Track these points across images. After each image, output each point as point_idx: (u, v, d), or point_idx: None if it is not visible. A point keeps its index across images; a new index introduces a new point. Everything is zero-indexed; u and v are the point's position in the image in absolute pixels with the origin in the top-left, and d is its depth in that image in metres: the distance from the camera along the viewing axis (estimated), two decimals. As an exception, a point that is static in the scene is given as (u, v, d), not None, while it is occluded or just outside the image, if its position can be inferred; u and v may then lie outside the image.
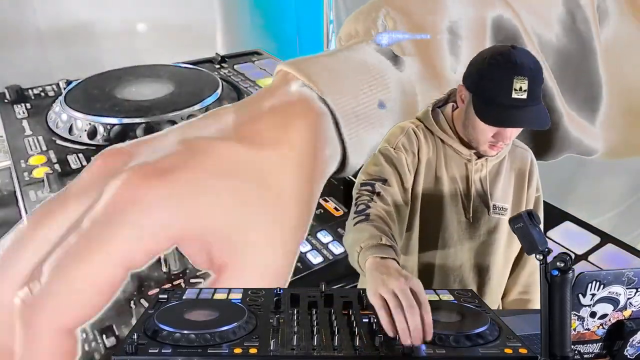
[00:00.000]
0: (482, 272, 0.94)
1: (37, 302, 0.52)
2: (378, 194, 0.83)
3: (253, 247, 0.64)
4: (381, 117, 0.91)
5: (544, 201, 1.54)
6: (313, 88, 0.74)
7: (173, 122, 1.87)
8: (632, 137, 1.17)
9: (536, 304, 0.99)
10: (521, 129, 0.86)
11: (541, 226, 0.70)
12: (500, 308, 1.01)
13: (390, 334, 0.62)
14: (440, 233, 0.91)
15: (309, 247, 1.32)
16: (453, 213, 0.91)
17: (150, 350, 0.61)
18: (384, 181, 0.85)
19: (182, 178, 0.59)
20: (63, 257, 0.55)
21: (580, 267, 1.01)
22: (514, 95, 0.79)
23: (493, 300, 0.98)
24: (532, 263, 0.99)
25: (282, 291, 0.76)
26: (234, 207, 0.62)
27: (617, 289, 0.67)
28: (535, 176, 0.96)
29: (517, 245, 0.96)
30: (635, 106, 1.12)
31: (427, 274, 0.92)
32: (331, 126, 0.76)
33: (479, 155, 0.90)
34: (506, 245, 0.95)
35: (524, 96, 0.79)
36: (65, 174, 1.63)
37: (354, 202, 0.85)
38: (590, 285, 0.66)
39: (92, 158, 0.65)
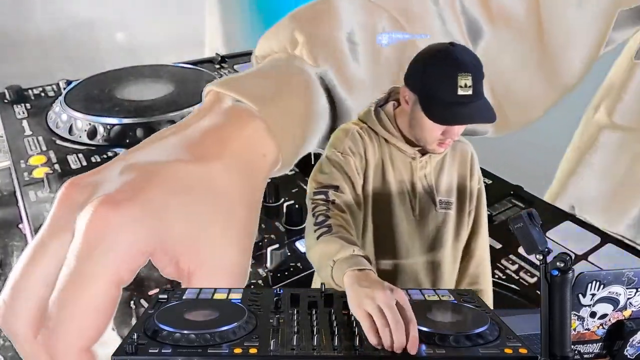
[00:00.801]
0: (434, 268, 0.94)
1: (54, 333, 0.62)
2: (333, 202, 0.83)
3: (215, 250, 0.71)
4: (313, 119, 0.98)
5: (544, 201, 1.55)
6: (245, 102, 0.81)
7: (173, 122, 1.87)
8: (511, 115, 1.31)
9: (486, 294, 1.01)
10: (466, 126, 0.86)
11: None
12: None
13: (376, 346, 0.62)
14: (392, 234, 0.91)
15: (309, 247, 1.32)
16: (402, 212, 0.91)
17: (150, 350, 0.61)
18: (336, 188, 0.84)
19: (143, 201, 0.65)
20: (62, 291, 0.63)
21: (580, 267, 1.01)
22: (460, 92, 0.79)
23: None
24: (479, 254, 1.00)
25: (282, 291, 0.76)
26: (194, 217, 0.68)
27: (617, 289, 0.67)
28: (477, 168, 0.96)
29: (464, 238, 0.97)
30: (507, 90, 1.28)
31: (383, 276, 0.92)
32: (264, 133, 0.81)
33: (423, 153, 0.90)
34: (454, 239, 0.95)
35: (470, 92, 0.80)
36: (65, 174, 1.63)
37: (310, 212, 0.83)
38: (590, 285, 0.66)
39: (62, 189, 0.71)
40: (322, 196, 0.84)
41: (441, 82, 0.81)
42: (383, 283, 0.68)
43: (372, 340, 0.62)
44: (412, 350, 0.59)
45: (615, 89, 1.70)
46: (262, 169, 0.83)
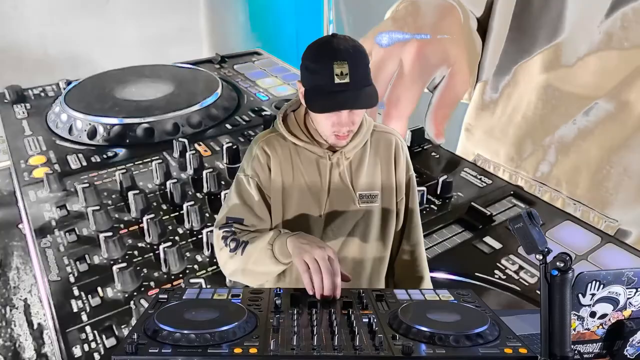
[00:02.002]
0: (359, 262, 0.94)
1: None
2: (235, 232, 0.90)
3: None
4: None
5: (544, 201, 1.55)
6: None
7: (173, 122, 1.88)
8: None
9: (424, 280, 1.00)
10: (362, 114, 0.87)
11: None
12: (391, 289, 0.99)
13: (309, 291, 0.79)
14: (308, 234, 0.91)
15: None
16: (317, 212, 0.91)
17: (150, 350, 0.62)
18: (240, 221, 0.90)
19: None
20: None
21: (580, 267, 1.01)
22: (337, 80, 0.80)
23: (375, 285, 0.98)
24: (414, 241, 1.00)
25: (282, 291, 0.76)
26: None
27: (617, 289, 0.67)
28: (403, 157, 0.96)
29: (392, 228, 0.97)
30: None
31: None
32: None
33: (334, 151, 0.90)
34: (380, 232, 0.95)
35: (346, 80, 0.80)
36: (65, 174, 1.63)
37: (221, 246, 0.89)
38: (590, 285, 0.66)
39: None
40: (227, 229, 0.89)
41: (319, 72, 0.81)
42: (319, 241, 0.84)
43: (307, 286, 0.80)
44: (337, 295, 0.79)
45: None
46: None
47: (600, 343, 0.70)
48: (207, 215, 1.44)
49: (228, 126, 1.94)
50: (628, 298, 0.69)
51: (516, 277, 1.23)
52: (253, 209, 0.90)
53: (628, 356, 0.71)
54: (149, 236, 1.34)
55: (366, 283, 0.96)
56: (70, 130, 1.86)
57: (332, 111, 0.83)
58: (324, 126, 0.85)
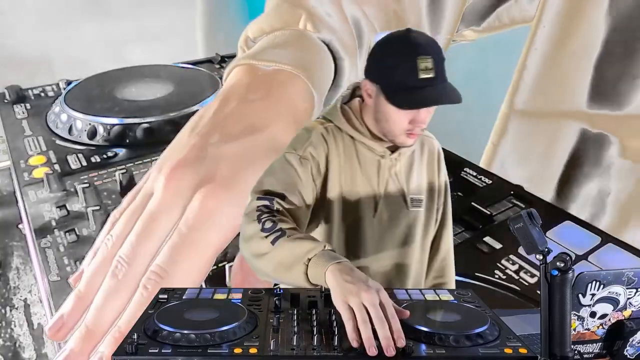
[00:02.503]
0: (404, 267, 0.92)
1: (163, 281, 0.91)
2: (277, 210, 0.80)
3: None
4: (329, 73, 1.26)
5: (544, 201, 1.55)
6: (286, 68, 1.06)
7: (173, 122, 1.88)
8: None
9: (449, 287, 1.00)
10: (433, 112, 0.83)
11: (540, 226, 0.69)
12: None
13: (355, 344, 0.62)
14: (361, 237, 0.88)
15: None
16: (371, 214, 0.87)
17: (150, 350, 0.62)
18: (282, 197, 0.81)
19: (239, 184, 0.92)
20: (175, 251, 0.90)
21: (580, 267, 1.01)
22: (422, 75, 0.77)
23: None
24: (445, 248, 0.99)
25: (282, 291, 0.76)
26: None
27: (617, 289, 0.67)
28: (443, 162, 0.95)
29: (432, 234, 0.95)
30: None
31: None
32: (304, 90, 1.06)
33: (392, 150, 0.87)
34: (422, 236, 0.93)
35: (432, 75, 0.77)
36: (65, 174, 1.63)
37: (253, 219, 0.79)
38: (590, 285, 0.66)
39: (155, 173, 1.04)
40: (266, 202, 0.80)
41: (401, 67, 0.78)
42: (367, 281, 0.69)
43: (351, 335, 0.63)
44: (399, 343, 0.61)
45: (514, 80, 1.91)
46: (306, 119, 1.04)
47: (600, 343, 0.70)
48: (207, 215, 1.43)
49: (228, 126, 1.93)
50: (628, 298, 0.69)
51: (516, 277, 1.23)
52: (297, 189, 0.82)
53: (628, 356, 0.71)
54: (149, 236, 1.34)
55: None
56: (70, 130, 1.86)
57: (422, 107, 0.80)
58: (400, 123, 0.81)
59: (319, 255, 0.73)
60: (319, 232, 0.88)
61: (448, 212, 0.98)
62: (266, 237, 0.77)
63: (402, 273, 0.92)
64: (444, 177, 0.95)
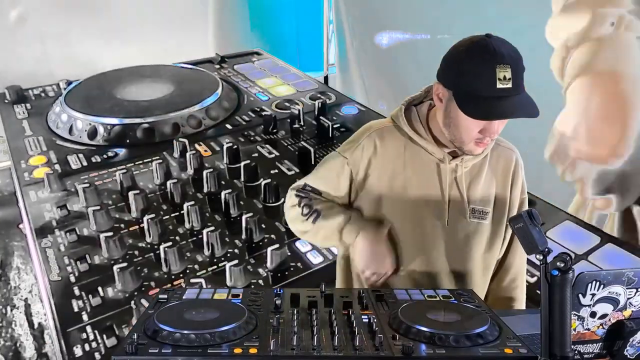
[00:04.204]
0: (459, 278, 0.90)
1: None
2: (312, 199, 0.92)
3: None
4: None
5: (544, 201, 1.55)
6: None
7: (173, 122, 1.88)
8: None
9: (519, 307, 0.98)
10: (505, 123, 0.81)
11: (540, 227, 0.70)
12: None
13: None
14: (412, 239, 0.88)
15: (309, 247, 1.32)
16: (426, 217, 0.87)
17: (150, 350, 0.62)
18: (319, 193, 0.91)
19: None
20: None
21: (580, 267, 1.01)
22: (499, 85, 0.74)
23: None
24: (516, 270, 0.96)
25: (282, 291, 0.76)
26: None
27: (617, 289, 0.67)
28: (521, 176, 0.91)
29: (497, 250, 0.92)
30: None
31: (401, 282, 0.90)
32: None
33: (455, 156, 0.85)
34: (486, 251, 0.91)
35: (509, 85, 0.75)
36: (66, 174, 1.63)
37: (295, 200, 0.91)
38: (590, 285, 0.66)
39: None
40: (305, 194, 0.91)
41: (478, 75, 0.75)
42: (385, 263, 0.87)
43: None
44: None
45: None
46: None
47: (600, 343, 0.70)
48: (207, 215, 1.44)
49: (228, 126, 1.94)
50: (628, 298, 0.68)
51: (516, 277, 1.23)
52: (334, 187, 0.91)
53: (628, 356, 0.71)
54: (150, 236, 1.34)
55: None
56: (70, 130, 1.86)
57: (496, 119, 0.78)
58: (470, 132, 0.80)
59: (348, 223, 0.87)
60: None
61: None
62: (307, 220, 0.90)
63: (460, 283, 0.90)
64: (519, 192, 0.91)
